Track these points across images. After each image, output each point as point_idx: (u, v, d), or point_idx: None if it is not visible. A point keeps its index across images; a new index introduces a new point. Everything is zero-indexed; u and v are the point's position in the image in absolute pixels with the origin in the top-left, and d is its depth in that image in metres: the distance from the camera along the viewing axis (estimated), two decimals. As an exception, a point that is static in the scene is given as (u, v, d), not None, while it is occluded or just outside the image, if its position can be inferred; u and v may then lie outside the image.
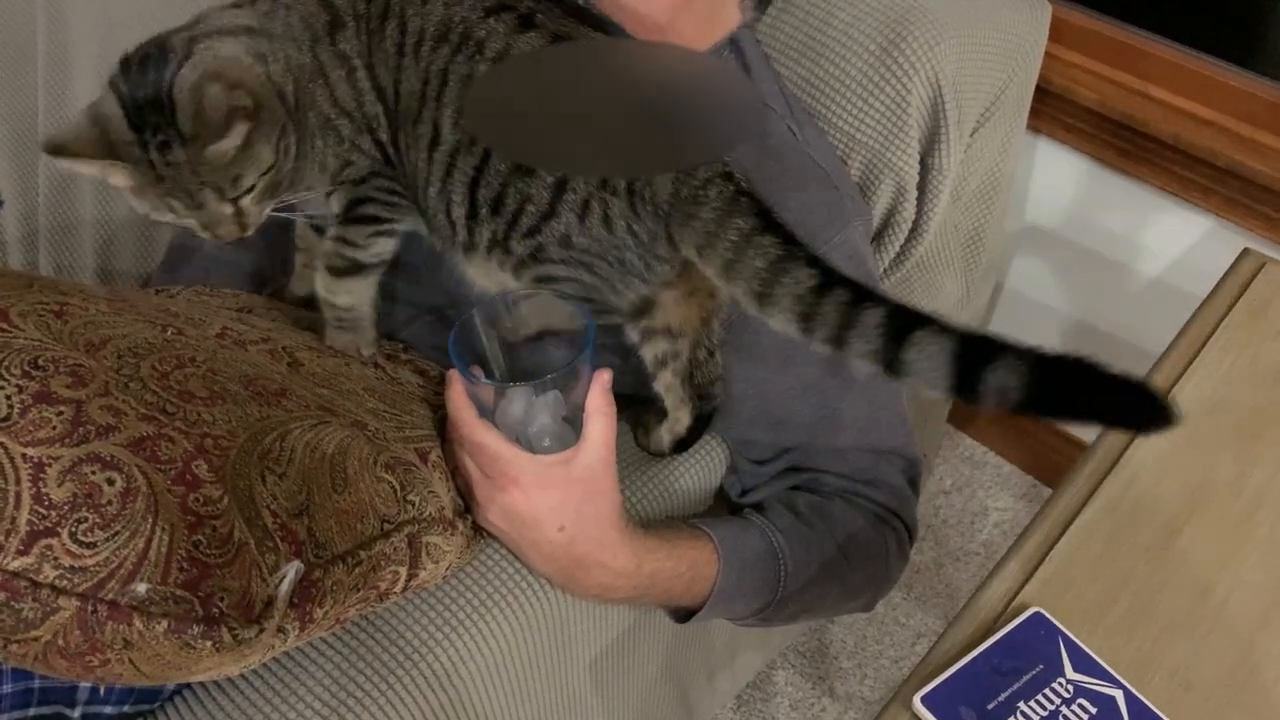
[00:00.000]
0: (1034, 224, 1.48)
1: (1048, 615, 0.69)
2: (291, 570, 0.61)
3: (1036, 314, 1.55)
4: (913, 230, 1.12)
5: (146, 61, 0.72)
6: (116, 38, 0.76)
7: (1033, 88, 1.21)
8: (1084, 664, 0.67)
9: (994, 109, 1.12)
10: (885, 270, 1.15)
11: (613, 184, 0.76)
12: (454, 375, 0.77)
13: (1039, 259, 1.51)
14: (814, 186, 0.95)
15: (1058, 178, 1.42)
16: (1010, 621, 0.69)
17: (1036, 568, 0.74)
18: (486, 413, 0.77)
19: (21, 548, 0.55)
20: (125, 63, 0.74)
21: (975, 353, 0.65)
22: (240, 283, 1.02)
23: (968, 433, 1.75)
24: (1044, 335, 1.54)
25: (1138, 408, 0.65)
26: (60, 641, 0.56)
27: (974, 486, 1.69)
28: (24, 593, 0.55)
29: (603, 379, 0.77)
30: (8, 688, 0.69)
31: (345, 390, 0.79)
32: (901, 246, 1.13)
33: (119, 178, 0.73)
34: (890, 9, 1.04)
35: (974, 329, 0.66)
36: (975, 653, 0.67)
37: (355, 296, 0.86)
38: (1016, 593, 0.73)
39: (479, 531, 0.81)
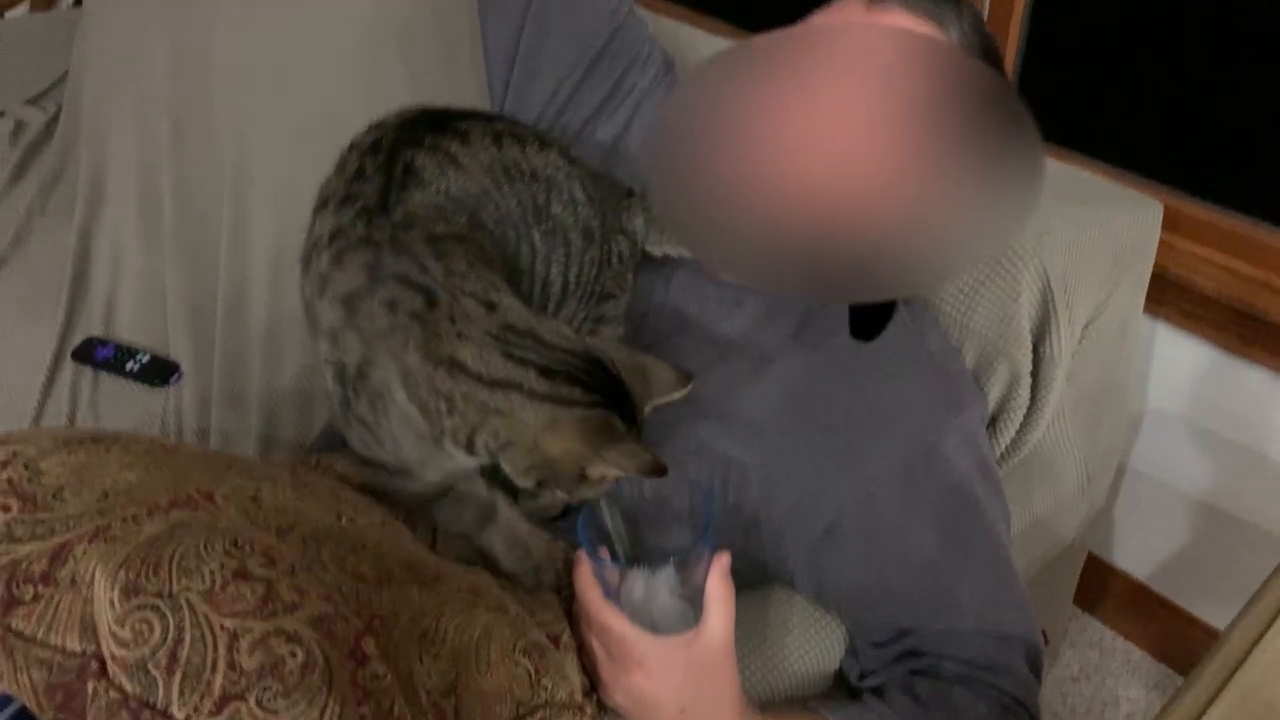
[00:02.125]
0: (1157, 407, 1.47)
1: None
2: (441, 747, 0.67)
3: (1164, 497, 1.52)
4: (1027, 417, 1.14)
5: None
6: (290, 215, 0.85)
7: (1147, 281, 1.23)
8: None
9: (1108, 303, 1.15)
10: (1001, 455, 1.16)
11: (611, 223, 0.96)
12: (582, 557, 0.82)
13: (1163, 442, 1.49)
14: (911, 374, 0.98)
15: (1179, 362, 1.42)
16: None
17: (1162, 769, 0.73)
18: (611, 593, 0.81)
19: (214, 709, 0.62)
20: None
21: None
22: None
23: (1096, 615, 1.70)
24: (1172, 519, 1.51)
25: None
26: (239, 797, 0.62)
27: (1103, 674, 1.63)
28: None
29: (722, 562, 0.80)
30: None
31: (488, 576, 0.85)
32: (1017, 433, 1.14)
33: None
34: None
35: None
36: None
37: None
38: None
39: (603, 709, 0.85)
